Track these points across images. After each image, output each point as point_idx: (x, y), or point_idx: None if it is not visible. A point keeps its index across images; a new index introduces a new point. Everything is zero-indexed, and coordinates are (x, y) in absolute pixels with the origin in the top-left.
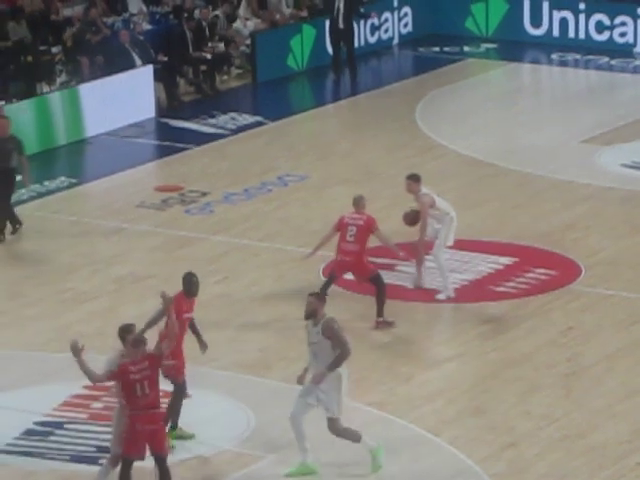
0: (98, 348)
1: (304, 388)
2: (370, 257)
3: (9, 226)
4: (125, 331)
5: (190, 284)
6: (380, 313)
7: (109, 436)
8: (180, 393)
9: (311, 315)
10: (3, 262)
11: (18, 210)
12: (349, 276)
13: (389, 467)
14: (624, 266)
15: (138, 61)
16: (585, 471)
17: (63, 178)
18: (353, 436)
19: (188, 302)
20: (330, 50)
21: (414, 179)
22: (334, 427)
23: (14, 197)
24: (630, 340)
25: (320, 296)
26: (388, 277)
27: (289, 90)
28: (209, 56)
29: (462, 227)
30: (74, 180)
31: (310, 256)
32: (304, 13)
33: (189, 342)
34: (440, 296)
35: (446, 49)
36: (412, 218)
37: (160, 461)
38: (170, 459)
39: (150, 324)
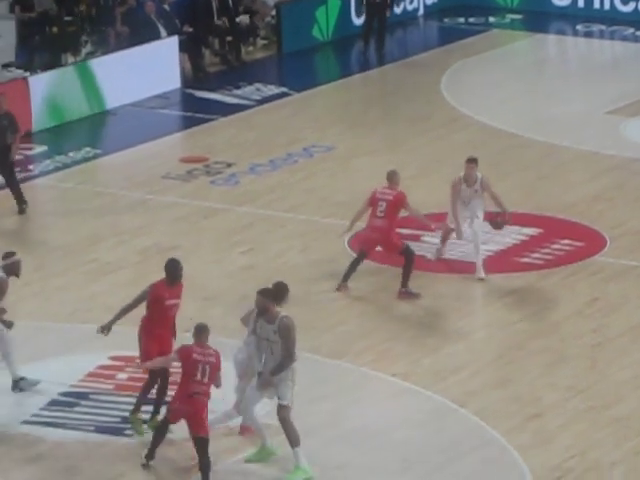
0: (122, 320)
1: (259, 382)
2: (398, 228)
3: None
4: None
5: (174, 271)
6: (405, 284)
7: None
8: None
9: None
10: (28, 233)
11: (44, 181)
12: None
13: (414, 438)
14: None
15: (163, 32)
16: (610, 442)
17: (88, 149)
18: (294, 436)
19: (172, 289)
20: (358, 21)
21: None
22: (283, 415)
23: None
24: None
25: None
26: (416, 248)
27: (314, 61)
28: (227, 23)
29: (487, 198)
30: (99, 151)
31: (346, 233)
32: None
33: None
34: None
35: (471, 20)
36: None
37: (200, 441)
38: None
39: (126, 311)
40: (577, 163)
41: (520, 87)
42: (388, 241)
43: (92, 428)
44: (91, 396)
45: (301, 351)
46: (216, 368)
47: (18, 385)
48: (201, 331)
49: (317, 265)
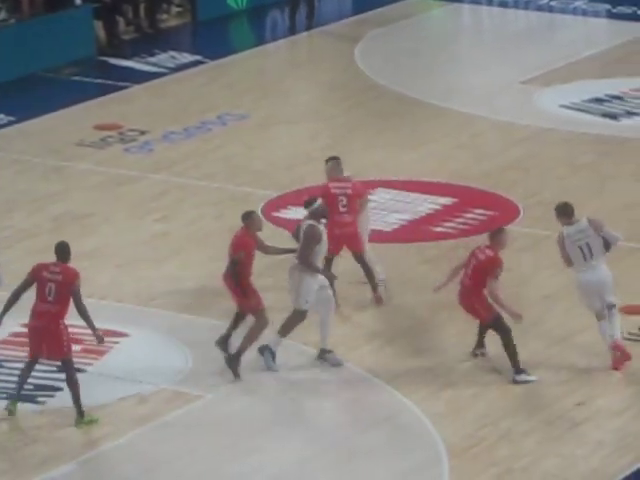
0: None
1: None
2: None
3: None
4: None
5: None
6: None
7: (48, 374)
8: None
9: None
10: None
11: None
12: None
13: (327, 408)
14: None
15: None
16: (523, 412)
17: (2, 116)
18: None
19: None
20: None
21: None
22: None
23: None
24: (568, 282)
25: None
26: None
27: (229, 29)
28: None
29: (402, 167)
30: (12, 118)
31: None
32: None
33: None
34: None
35: None
36: None
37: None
38: (107, 398)
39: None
40: (491, 133)
41: (435, 56)
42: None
43: (4, 395)
44: (4, 363)
45: (212, 319)
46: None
47: None
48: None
49: (230, 233)
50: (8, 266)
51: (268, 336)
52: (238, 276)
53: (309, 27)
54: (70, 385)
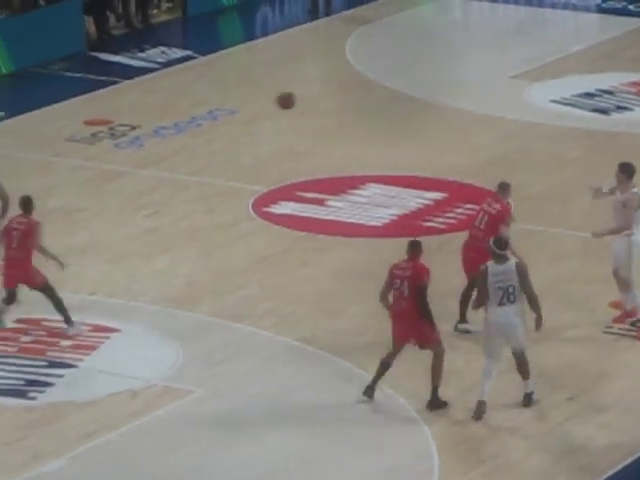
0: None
1: None
2: (300, 191)
3: None
4: None
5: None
6: None
7: (38, 370)
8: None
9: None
10: None
11: None
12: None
13: (320, 402)
14: (552, 202)
15: None
16: (512, 407)
17: None
18: None
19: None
20: None
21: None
22: None
23: None
24: (557, 276)
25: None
26: (320, 212)
27: (219, 24)
28: None
29: (391, 162)
30: (1, 113)
31: None
32: None
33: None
34: None
35: None
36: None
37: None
38: (98, 393)
39: None
40: (481, 127)
41: (425, 51)
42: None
43: None
44: None
45: (203, 314)
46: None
47: None
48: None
49: (220, 228)
50: None
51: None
52: (427, 305)
53: (328, 13)
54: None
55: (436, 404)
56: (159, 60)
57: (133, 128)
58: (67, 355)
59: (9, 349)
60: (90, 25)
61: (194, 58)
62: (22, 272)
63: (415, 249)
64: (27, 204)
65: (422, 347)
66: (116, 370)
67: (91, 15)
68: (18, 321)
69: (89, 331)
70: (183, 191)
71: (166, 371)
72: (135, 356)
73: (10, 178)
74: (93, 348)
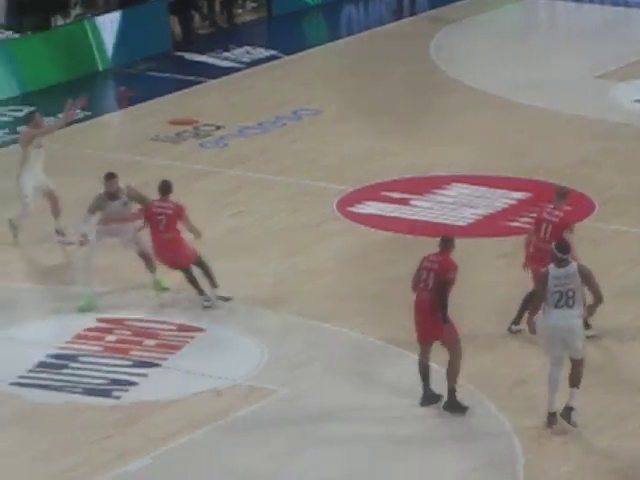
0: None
1: None
2: (385, 191)
3: None
4: None
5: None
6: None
7: (122, 369)
8: None
9: None
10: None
11: None
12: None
13: (404, 402)
14: (637, 202)
15: None
16: (595, 407)
17: (77, 111)
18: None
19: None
20: None
21: None
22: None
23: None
24: None
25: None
26: (405, 211)
27: (304, 24)
28: None
29: (476, 162)
30: (89, 113)
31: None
32: None
33: None
34: None
35: None
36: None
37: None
38: (182, 393)
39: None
40: (566, 127)
41: (510, 51)
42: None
43: (80, 390)
44: (80, 358)
45: (288, 314)
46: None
47: None
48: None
49: (305, 228)
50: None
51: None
52: (445, 300)
53: (412, 12)
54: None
55: (454, 407)
56: (244, 60)
57: (218, 128)
58: (151, 354)
59: (94, 348)
60: (175, 25)
61: (279, 58)
62: (172, 254)
63: (446, 244)
64: (167, 188)
65: (442, 344)
66: (200, 369)
67: (176, 15)
68: (100, 320)
69: (173, 330)
70: (268, 191)
71: (251, 371)
72: (220, 355)
73: (95, 177)
74: (177, 347)
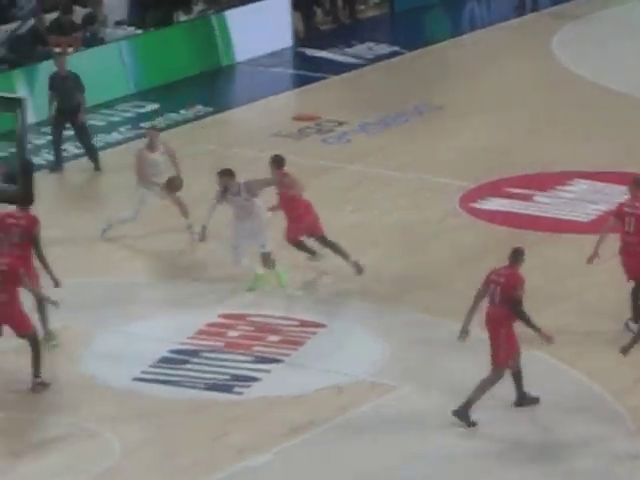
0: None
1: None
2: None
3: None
4: None
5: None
6: None
7: (244, 364)
8: None
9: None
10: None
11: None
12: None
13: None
14: None
15: None
16: None
17: (200, 107)
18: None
19: None
20: None
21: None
22: (268, 261)
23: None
24: None
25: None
26: (528, 208)
27: (426, 20)
28: None
29: (598, 158)
30: (210, 109)
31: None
32: None
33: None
34: None
35: None
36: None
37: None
38: (304, 388)
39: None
40: None
41: (633, 48)
42: None
43: (202, 386)
44: (202, 353)
45: (409, 310)
46: None
47: None
48: None
49: (426, 224)
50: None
51: None
52: (523, 314)
53: (535, 9)
54: None
55: (462, 416)
56: (366, 56)
57: (340, 124)
58: (274, 350)
59: (216, 344)
60: (298, 21)
61: (401, 54)
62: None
63: (516, 257)
64: (280, 161)
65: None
66: (322, 365)
67: (299, 10)
68: (222, 316)
69: (295, 326)
70: (389, 186)
71: (372, 366)
72: (341, 351)
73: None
74: (300, 343)
